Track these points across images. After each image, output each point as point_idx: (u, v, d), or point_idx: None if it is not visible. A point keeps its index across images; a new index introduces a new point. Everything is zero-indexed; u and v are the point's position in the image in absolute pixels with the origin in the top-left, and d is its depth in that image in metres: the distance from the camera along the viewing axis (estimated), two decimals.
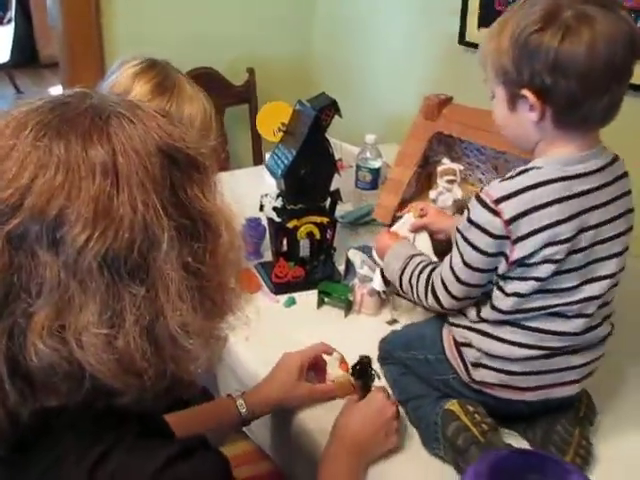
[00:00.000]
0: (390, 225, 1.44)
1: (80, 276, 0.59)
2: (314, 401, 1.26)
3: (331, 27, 2.94)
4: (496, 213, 1.00)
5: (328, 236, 1.60)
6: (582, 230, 1.02)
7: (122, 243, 0.60)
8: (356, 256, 1.56)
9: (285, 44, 2.94)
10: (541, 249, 1.00)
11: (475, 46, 2.21)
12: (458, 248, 1.08)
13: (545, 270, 1.02)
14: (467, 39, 2.22)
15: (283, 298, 1.57)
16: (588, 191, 1.02)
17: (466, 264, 1.07)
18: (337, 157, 1.95)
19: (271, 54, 2.88)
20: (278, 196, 1.55)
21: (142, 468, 0.65)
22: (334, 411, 1.17)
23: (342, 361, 1.30)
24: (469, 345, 1.13)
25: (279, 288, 1.59)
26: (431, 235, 1.40)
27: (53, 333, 0.60)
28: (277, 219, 1.54)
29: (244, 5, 2.82)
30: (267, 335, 1.39)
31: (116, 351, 0.61)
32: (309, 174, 1.51)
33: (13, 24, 5.08)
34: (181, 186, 0.65)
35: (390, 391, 1.23)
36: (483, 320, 1.11)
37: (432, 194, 1.46)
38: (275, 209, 1.55)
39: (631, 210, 1.10)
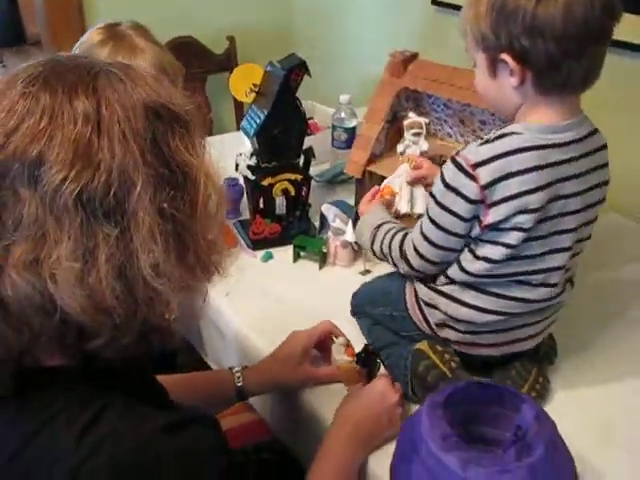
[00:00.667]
0: (383, 178, 1.48)
1: (56, 213, 0.63)
2: (316, 384, 1.26)
3: None
4: (473, 177, 1.01)
5: (303, 193, 1.66)
6: (553, 199, 1.03)
7: (98, 185, 0.64)
8: (329, 210, 1.62)
9: (264, 11, 2.98)
10: (513, 216, 1.01)
11: (447, 6, 2.26)
12: (432, 212, 1.08)
13: (515, 237, 1.03)
14: None
15: (261, 253, 1.63)
16: (564, 161, 1.03)
17: (442, 228, 1.07)
18: (311, 117, 2.01)
19: (251, 21, 2.92)
20: (252, 155, 1.60)
21: (133, 435, 0.67)
22: (341, 393, 1.18)
23: (348, 345, 1.23)
24: (434, 307, 1.16)
25: (257, 244, 1.65)
26: (426, 187, 1.39)
27: (28, 267, 0.63)
28: (251, 177, 1.60)
29: None
30: (247, 289, 1.45)
31: (87, 287, 0.64)
32: (281, 133, 1.57)
33: None
34: (163, 139, 0.69)
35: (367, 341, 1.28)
36: (450, 281, 1.13)
37: (399, 147, 1.51)
38: (249, 167, 1.60)
39: (606, 182, 1.12)
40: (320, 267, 1.58)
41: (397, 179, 1.40)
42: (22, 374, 0.70)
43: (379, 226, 1.25)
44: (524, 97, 1.04)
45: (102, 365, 0.72)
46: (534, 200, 1.01)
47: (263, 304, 1.46)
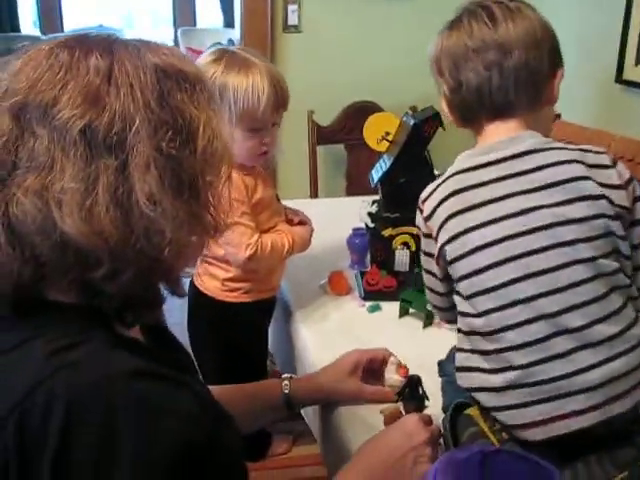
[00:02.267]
0: None
1: (64, 145, 0.71)
2: (362, 400, 1.23)
3: None
4: (420, 211, 1.12)
5: None
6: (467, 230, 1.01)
7: (101, 123, 0.72)
8: None
9: None
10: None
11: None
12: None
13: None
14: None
15: (369, 304, 1.58)
16: (491, 181, 1.01)
17: (427, 271, 1.13)
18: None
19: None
20: (374, 202, 1.58)
21: (97, 369, 0.69)
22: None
23: (400, 366, 1.25)
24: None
25: (368, 294, 1.60)
26: None
27: (36, 192, 0.71)
28: (370, 224, 1.57)
29: (419, 48, 2.92)
30: (344, 335, 1.42)
31: (86, 210, 0.71)
32: (407, 183, 1.53)
33: None
34: (169, 92, 0.76)
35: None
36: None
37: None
38: (369, 214, 1.58)
39: (591, 197, 0.98)
40: (424, 326, 1.49)
41: None
42: (23, 300, 0.75)
43: None
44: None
45: (104, 305, 0.76)
46: (451, 227, 1.03)
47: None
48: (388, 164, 1.53)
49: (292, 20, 2.80)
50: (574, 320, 0.96)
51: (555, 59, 1.08)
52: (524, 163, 1.02)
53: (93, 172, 0.71)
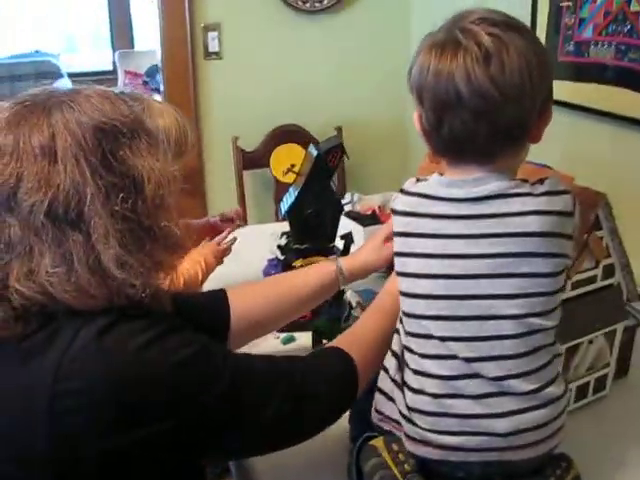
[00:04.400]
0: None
1: (35, 231, 0.80)
2: None
3: None
4: None
5: None
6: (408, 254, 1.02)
7: (60, 202, 0.80)
8: (353, 297, 1.54)
9: (376, 107, 3.02)
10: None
11: None
12: None
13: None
14: None
15: (283, 335, 1.58)
16: (443, 216, 0.99)
17: None
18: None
19: (361, 114, 2.97)
20: (282, 234, 1.58)
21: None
22: None
23: None
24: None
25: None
26: None
27: (26, 277, 0.80)
28: (280, 256, 1.57)
29: (341, 65, 2.96)
30: None
31: (73, 284, 0.81)
32: (314, 214, 1.54)
33: None
34: (110, 151, 0.83)
35: None
36: None
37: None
38: (279, 247, 1.58)
39: (544, 255, 0.94)
40: None
41: None
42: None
43: None
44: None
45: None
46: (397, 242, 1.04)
47: None
48: (294, 196, 1.54)
49: (213, 47, 2.80)
50: (490, 370, 0.97)
51: (547, 100, 0.98)
52: (482, 208, 0.96)
53: (67, 252, 0.81)
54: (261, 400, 0.93)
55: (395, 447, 1.06)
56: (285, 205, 1.56)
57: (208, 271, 1.55)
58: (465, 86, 0.91)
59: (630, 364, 1.40)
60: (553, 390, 1.00)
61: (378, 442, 1.07)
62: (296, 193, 1.53)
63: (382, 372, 1.10)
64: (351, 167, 3.00)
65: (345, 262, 1.33)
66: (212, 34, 2.78)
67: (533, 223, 0.94)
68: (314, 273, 1.33)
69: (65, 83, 5.08)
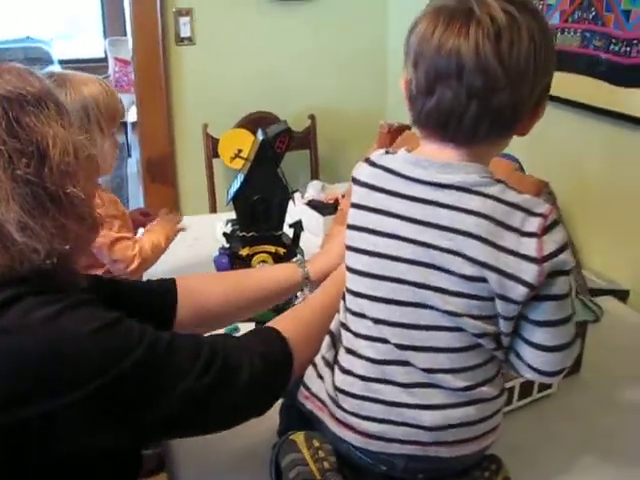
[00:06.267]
0: None
1: None
2: None
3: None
4: None
5: None
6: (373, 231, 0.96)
7: None
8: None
9: (350, 95, 2.97)
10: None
11: None
12: None
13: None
14: None
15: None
16: (389, 191, 0.95)
17: None
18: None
19: (335, 101, 2.92)
20: (228, 222, 1.53)
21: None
22: None
23: None
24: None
25: None
26: None
27: None
28: (225, 244, 1.52)
29: (316, 53, 2.91)
30: None
31: None
32: (260, 201, 1.49)
33: None
34: (17, 119, 0.84)
35: None
36: None
37: None
38: (225, 234, 1.53)
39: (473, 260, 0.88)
40: None
41: None
42: None
43: None
44: None
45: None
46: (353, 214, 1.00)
47: None
48: (240, 182, 1.49)
49: (184, 32, 2.74)
50: (421, 361, 0.93)
51: (544, 93, 0.93)
52: (439, 195, 0.90)
53: None
54: (179, 372, 0.91)
55: (316, 443, 1.01)
56: (231, 191, 1.50)
57: (168, 242, 1.63)
58: (471, 59, 0.85)
59: (582, 360, 1.35)
60: (487, 390, 0.95)
61: (298, 437, 1.03)
62: (242, 179, 1.48)
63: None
64: (324, 155, 2.95)
65: (312, 268, 1.26)
66: (184, 19, 2.72)
67: (478, 226, 0.88)
68: (284, 280, 1.26)
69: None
